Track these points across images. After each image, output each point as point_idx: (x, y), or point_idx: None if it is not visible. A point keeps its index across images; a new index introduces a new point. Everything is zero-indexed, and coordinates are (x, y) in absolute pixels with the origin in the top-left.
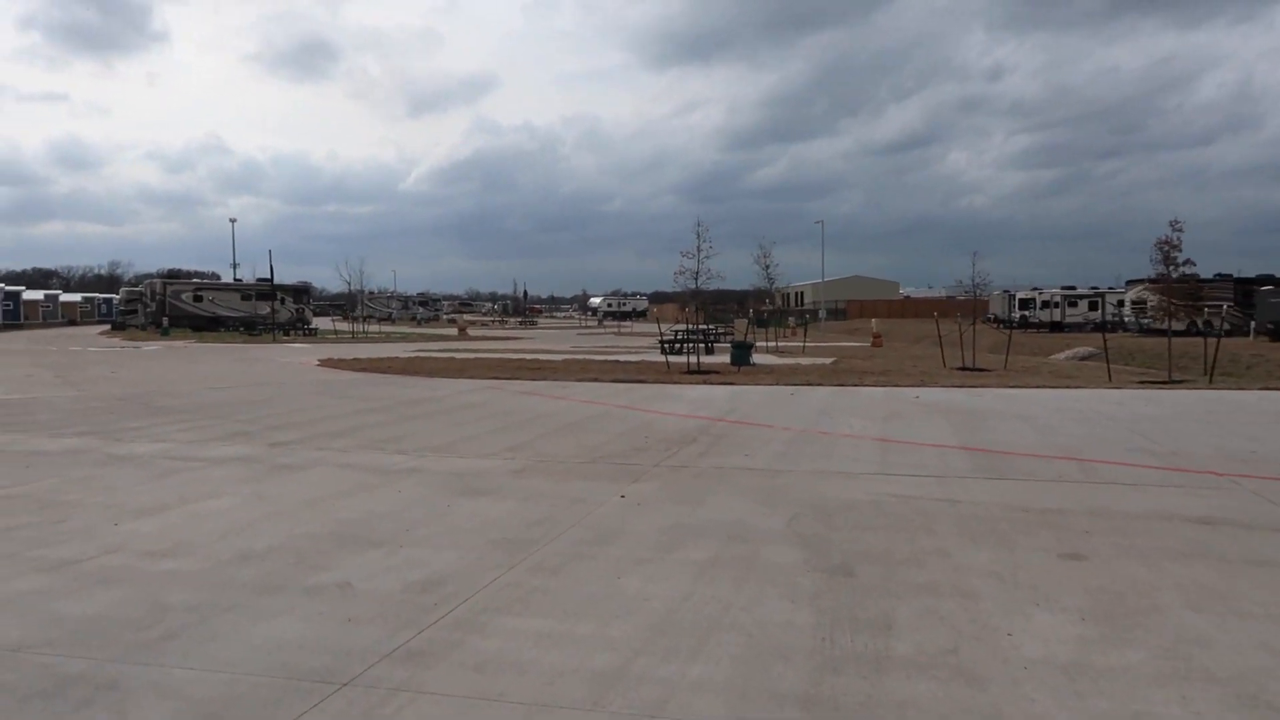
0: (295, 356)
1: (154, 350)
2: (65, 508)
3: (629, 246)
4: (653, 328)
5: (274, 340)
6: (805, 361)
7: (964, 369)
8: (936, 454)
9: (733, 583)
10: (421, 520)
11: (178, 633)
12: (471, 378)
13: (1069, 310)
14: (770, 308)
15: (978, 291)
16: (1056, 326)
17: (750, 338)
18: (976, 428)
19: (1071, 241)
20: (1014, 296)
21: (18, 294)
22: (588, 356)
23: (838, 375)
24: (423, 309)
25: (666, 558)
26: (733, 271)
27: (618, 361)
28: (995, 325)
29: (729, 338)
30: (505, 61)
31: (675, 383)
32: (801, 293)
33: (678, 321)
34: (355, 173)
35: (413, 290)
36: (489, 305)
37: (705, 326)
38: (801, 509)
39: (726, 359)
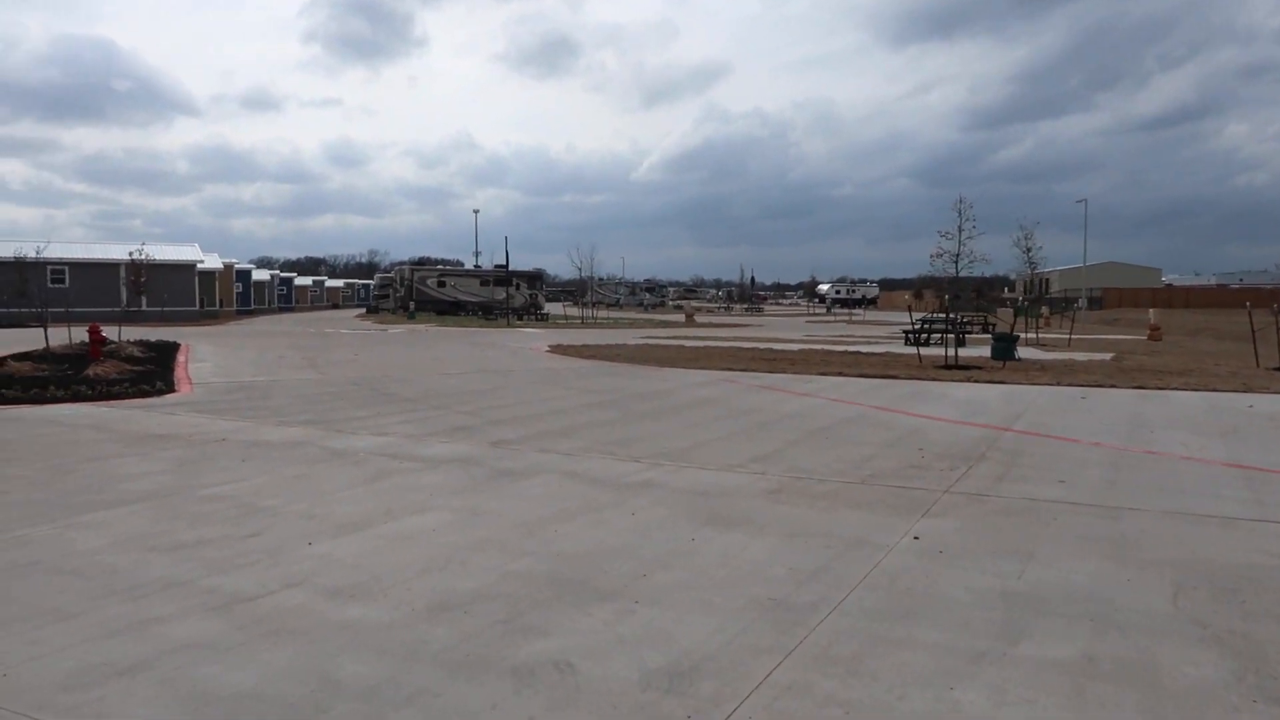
0: (526, 342)
1: (398, 334)
2: (264, 516)
3: (857, 233)
4: (886, 316)
5: (508, 325)
6: (1080, 357)
7: None
8: None
9: (1137, 714)
10: (661, 559)
11: None
12: (703, 368)
13: None
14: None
15: None
16: None
17: (1014, 329)
18: None
19: None
20: None
21: (290, 280)
22: (825, 347)
23: (1128, 375)
24: (649, 295)
25: (1010, 652)
26: (973, 257)
27: (859, 353)
28: None
29: (983, 328)
30: (737, 49)
31: (933, 379)
32: (1047, 279)
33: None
34: (590, 163)
35: (639, 277)
36: (713, 292)
37: (951, 315)
38: (1182, 575)
39: (980, 352)
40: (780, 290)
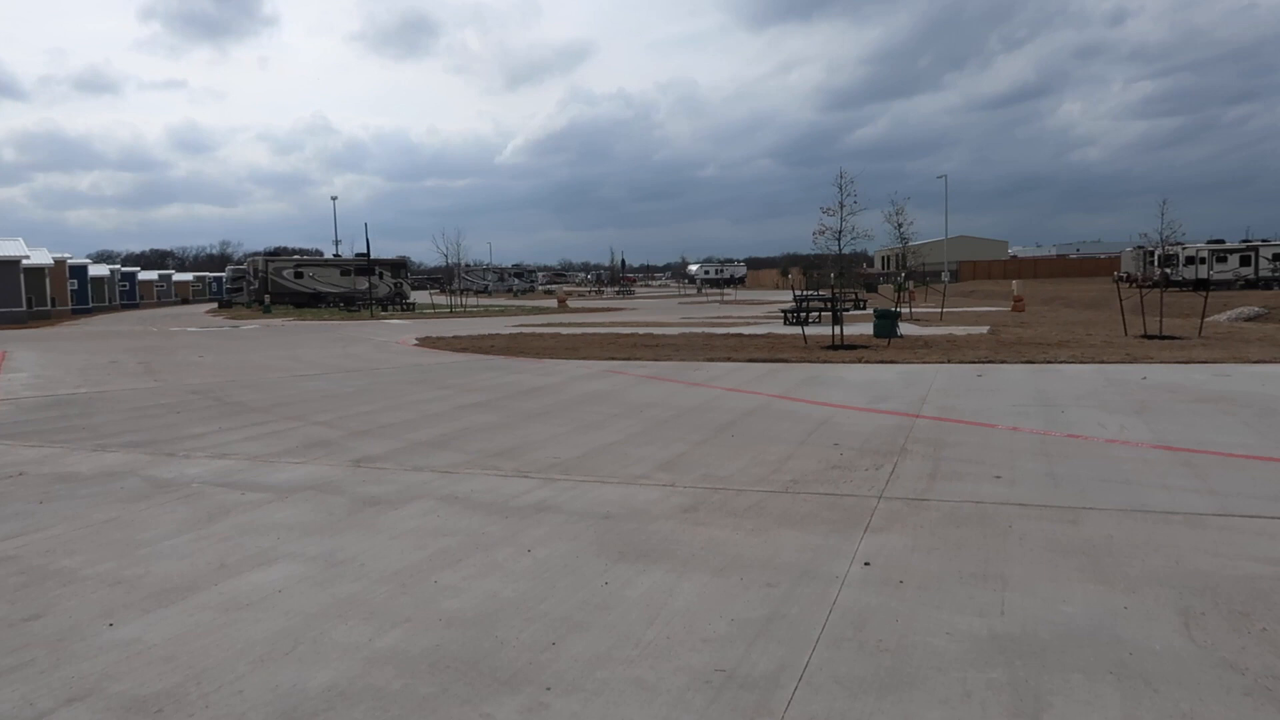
0: (392, 334)
1: (251, 330)
2: (54, 584)
3: (723, 213)
4: (756, 295)
5: (372, 316)
6: (958, 331)
7: (1151, 337)
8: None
9: None
10: (571, 617)
11: None
12: (585, 358)
13: (1217, 266)
14: (878, 272)
15: (1165, 244)
16: (1201, 284)
17: (896, 306)
18: None
19: (1196, 194)
20: (1152, 253)
21: (133, 275)
22: (706, 330)
23: (1011, 349)
24: (518, 280)
25: None
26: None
27: (741, 335)
28: (1129, 284)
29: (854, 305)
30: (601, 29)
31: (824, 362)
32: (903, 255)
33: (777, 288)
34: (454, 147)
35: (507, 262)
36: (582, 275)
37: (825, 293)
38: (1180, 596)
39: (861, 330)
40: (649, 272)
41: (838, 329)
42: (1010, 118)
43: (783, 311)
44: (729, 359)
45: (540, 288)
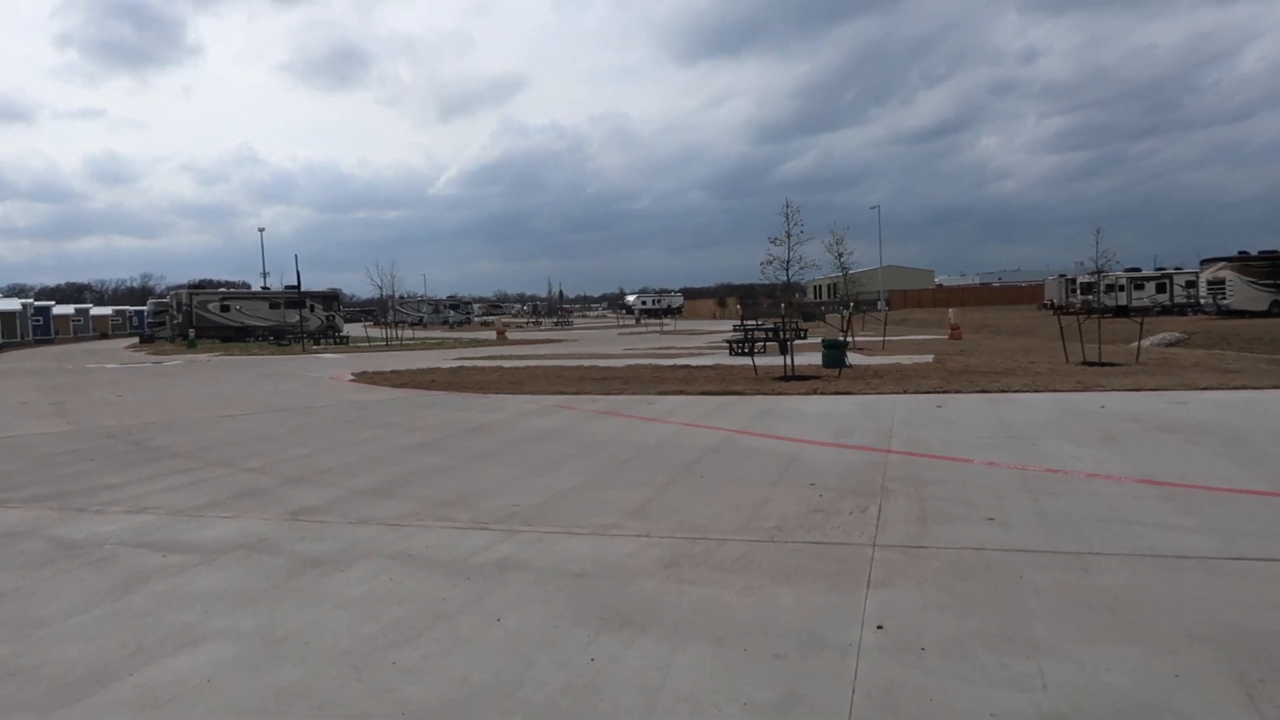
0: (326, 369)
1: (174, 366)
2: None
3: (656, 243)
4: (695, 325)
5: (304, 350)
6: (904, 360)
7: (1092, 364)
8: (1274, 512)
9: None
10: (555, 705)
11: None
12: (532, 393)
13: (1135, 293)
14: (819, 301)
15: (1101, 271)
16: (1121, 311)
17: (844, 335)
18: (1263, 458)
19: (1105, 224)
20: (1074, 280)
21: (48, 309)
22: (651, 361)
23: (961, 377)
24: (454, 312)
25: None
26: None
27: (689, 367)
28: (1051, 311)
29: (794, 334)
30: (534, 62)
31: (778, 393)
32: (834, 285)
33: (714, 317)
34: (385, 179)
35: (442, 293)
36: (518, 306)
37: (768, 323)
38: (1226, 657)
39: (808, 360)
40: (585, 302)
41: (788, 359)
42: (931, 151)
43: (728, 342)
44: (681, 392)
45: (477, 319)
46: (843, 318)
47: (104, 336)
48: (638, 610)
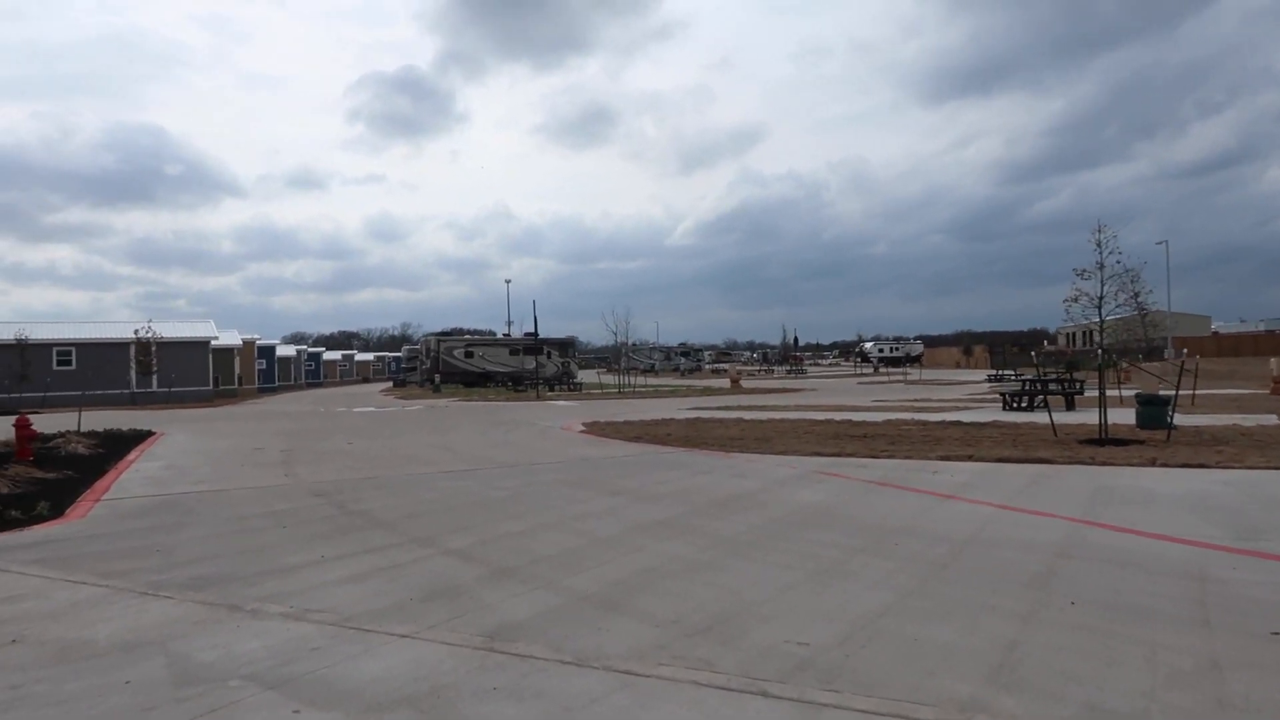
0: (557, 418)
1: (415, 411)
2: None
3: (892, 290)
4: (940, 374)
5: (538, 396)
6: (1243, 421)
7: None
8: None
9: None
10: None
11: None
12: (783, 452)
13: None
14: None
15: None
16: None
17: (1162, 390)
18: None
19: None
20: None
21: (319, 355)
22: (912, 416)
23: None
24: (685, 360)
25: None
26: (1012, 311)
27: (961, 424)
28: None
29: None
30: (773, 112)
31: (1103, 462)
32: (1090, 331)
33: (957, 366)
34: (625, 230)
35: (672, 341)
36: (747, 354)
37: (1044, 375)
38: None
39: (1092, 417)
40: (816, 350)
41: (1101, 418)
42: (1206, 185)
43: (1001, 394)
44: (970, 457)
45: (707, 366)
46: (1176, 369)
47: (365, 380)
48: None
